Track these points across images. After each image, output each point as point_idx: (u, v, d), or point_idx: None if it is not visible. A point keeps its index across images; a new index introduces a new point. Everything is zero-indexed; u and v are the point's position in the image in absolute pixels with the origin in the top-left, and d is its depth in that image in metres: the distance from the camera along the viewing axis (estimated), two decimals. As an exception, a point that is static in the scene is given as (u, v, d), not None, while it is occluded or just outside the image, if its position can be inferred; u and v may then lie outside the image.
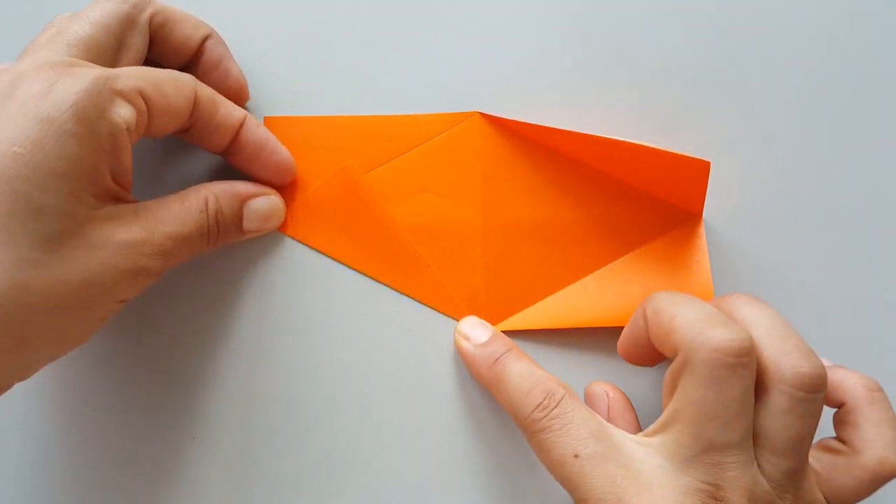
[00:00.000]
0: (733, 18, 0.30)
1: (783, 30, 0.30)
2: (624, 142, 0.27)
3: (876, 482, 0.22)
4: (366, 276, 0.28)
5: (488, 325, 0.27)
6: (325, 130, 0.28)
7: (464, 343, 0.26)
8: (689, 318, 0.21)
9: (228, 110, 0.25)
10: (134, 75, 0.22)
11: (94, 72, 0.21)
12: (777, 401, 0.21)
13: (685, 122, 0.29)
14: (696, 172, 0.27)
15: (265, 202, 0.27)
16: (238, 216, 0.26)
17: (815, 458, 0.23)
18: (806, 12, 0.30)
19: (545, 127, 0.27)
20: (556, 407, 0.22)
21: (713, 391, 0.20)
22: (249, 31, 0.29)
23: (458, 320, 0.28)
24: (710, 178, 0.27)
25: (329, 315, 0.28)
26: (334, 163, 0.28)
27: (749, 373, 0.20)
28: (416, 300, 0.28)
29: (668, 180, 0.27)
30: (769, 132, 0.29)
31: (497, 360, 0.25)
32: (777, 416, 0.21)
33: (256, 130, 0.26)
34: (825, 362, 0.22)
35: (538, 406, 0.23)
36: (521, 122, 0.28)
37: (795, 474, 0.21)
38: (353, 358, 0.28)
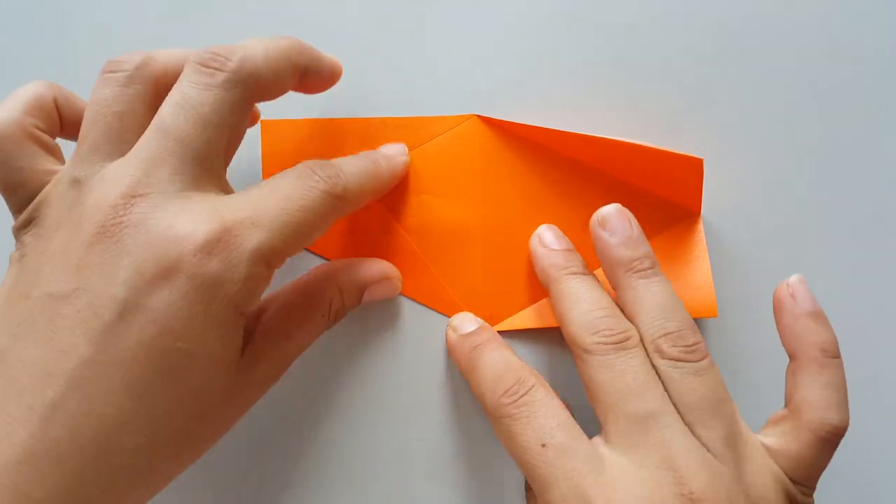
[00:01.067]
0: (732, 18, 0.30)
1: (783, 29, 0.30)
2: (618, 141, 0.27)
3: (821, 444, 0.22)
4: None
5: (479, 320, 0.27)
6: (324, 133, 0.28)
7: (449, 333, 0.27)
8: (577, 313, 0.23)
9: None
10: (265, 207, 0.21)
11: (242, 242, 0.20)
12: (668, 373, 0.22)
13: (685, 122, 0.29)
14: (690, 170, 0.27)
15: (387, 287, 0.27)
16: (356, 303, 0.26)
17: (766, 435, 0.23)
18: (806, 13, 0.30)
19: (541, 128, 0.28)
20: (525, 394, 0.22)
21: (611, 372, 0.22)
22: (247, 34, 0.30)
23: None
24: (709, 177, 0.27)
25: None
26: None
27: (636, 349, 0.22)
28: (414, 300, 0.28)
29: (664, 178, 0.27)
30: (769, 132, 0.29)
31: (475, 347, 0.25)
32: (675, 385, 0.22)
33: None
34: (805, 306, 0.23)
35: (507, 391, 0.22)
36: (519, 124, 0.28)
37: (733, 440, 0.21)
38: (352, 358, 0.28)
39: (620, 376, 0.21)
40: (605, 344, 0.22)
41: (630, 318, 0.23)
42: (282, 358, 0.24)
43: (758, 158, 0.29)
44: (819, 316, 0.23)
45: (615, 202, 0.25)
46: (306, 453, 0.28)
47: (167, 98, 0.21)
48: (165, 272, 0.19)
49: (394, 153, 0.27)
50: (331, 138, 0.28)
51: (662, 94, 0.29)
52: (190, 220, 0.20)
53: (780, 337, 0.24)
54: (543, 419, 0.22)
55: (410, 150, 0.28)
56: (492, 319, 0.28)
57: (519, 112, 0.29)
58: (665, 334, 0.22)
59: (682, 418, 0.21)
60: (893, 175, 0.29)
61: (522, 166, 0.28)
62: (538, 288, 0.28)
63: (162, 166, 0.20)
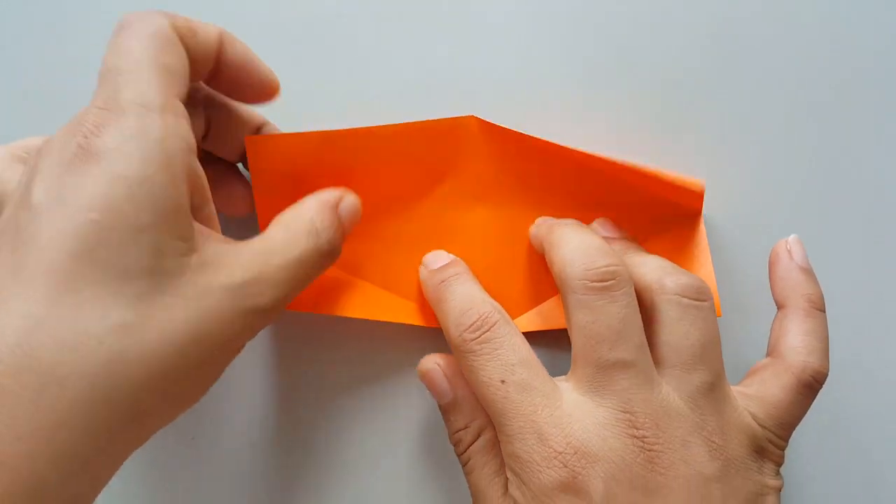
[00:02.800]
0: (733, 21, 0.30)
1: (783, 31, 0.30)
2: (616, 163, 0.26)
3: (801, 387, 0.22)
4: (362, 281, 0.28)
5: (451, 256, 0.27)
6: (315, 147, 0.27)
7: (421, 269, 0.26)
8: (567, 250, 0.23)
9: (205, 30, 0.22)
10: (161, 81, 0.20)
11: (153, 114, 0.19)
12: (667, 311, 0.22)
13: (685, 124, 0.29)
14: (691, 195, 0.27)
15: (351, 201, 0.25)
16: (339, 224, 0.24)
17: (746, 385, 0.23)
18: (806, 12, 0.30)
19: (540, 141, 0.27)
20: (488, 330, 0.22)
21: (590, 315, 0.21)
22: (247, 34, 0.30)
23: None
24: (709, 178, 0.27)
25: (327, 318, 0.28)
26: (329, 179, 0.27)
27: (621, 293, 0.21)
28: (414, 303, 0.28)
29: (664, 196, 0.27)
30: (769, 132, 0.29)
31: (443, 281, 0.25)
32: (671, 326, 0.22)
33: (236, 44, 0.23)
34: (800, 261, 0.24)
35: (470, 326, 0.22)
36: (516, 133, 0.28)
37: (711, 391, 0.21)
38: (351, 359, 0.28)
39: (599, 320, 0.21)
40: (589, 282, 0.22)
41: (637, 280, 0.23)
42: (264, 279, 0.21)
43: (758, 158, 0.29)
44: (810, 273, 0.24)
45: (616, 203, 0.25)
46: (304, 454, 0.28)
47: None
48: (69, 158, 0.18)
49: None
50: (323, 152, 0.27)
51: (662, 95, 0.29)
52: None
53: (772, 288, 0.24)
54: (505, 355, 0.22)
55: (408, 154, 0.27)
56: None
57: (519, 112, 0.29)
58: (672, 275, 0.22)
59: (666, 360, 0.21)
60: (894, 174, 0.29)
61: (522, 167, 0.28)
62: (540, 290, 0.28)
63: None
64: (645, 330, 0.22)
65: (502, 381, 0.21)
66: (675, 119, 0.29)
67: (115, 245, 0.18)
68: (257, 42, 0.29)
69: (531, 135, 0.27)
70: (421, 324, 0.27)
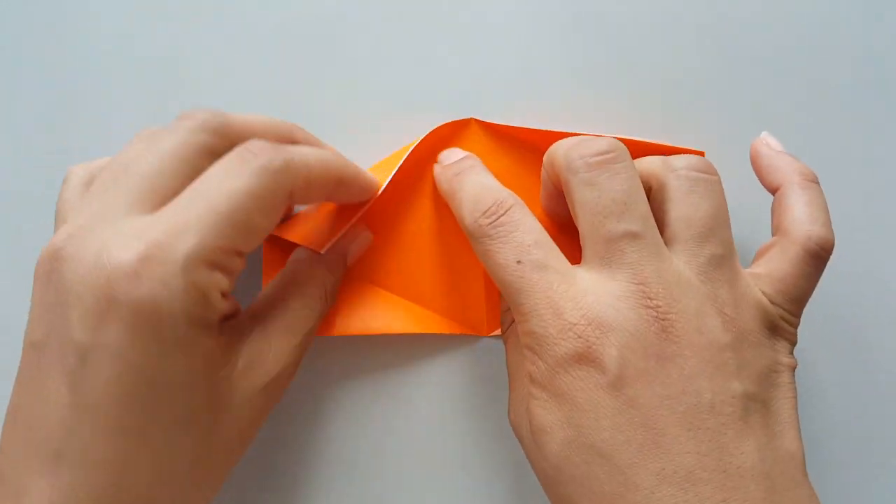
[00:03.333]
0: (732, 20, 0.30)
1: (783, 30, 0.30)
2: (618, 138, 0.26)
3: (808, 258, 0.22)
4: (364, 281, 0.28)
5: (465, 152, 0.27)
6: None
7: (435, 166, 0.27)
8: (565, 144, 0.23)
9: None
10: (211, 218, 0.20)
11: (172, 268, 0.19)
12: (677, 186, 0.22)
13: (684, 124, 0.29)
14: None
15: (363, 241, 0.27)
16: (343, 271, 0.27)
17: (754, 266, 0.23)
18: (806, 12, 0.30)
19: (538, 130, 0.27)
20: (503, 214, 0.22)
21: (594, 191, 0.21)
22: (247, 34, 0.29)
23: (460, 327, 0.28)
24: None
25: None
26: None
27: (622, 166, 0.21)
28: (416, 305, 0.28)
29: None
30: (769, 132, 0.28)
31: (457, 174, 0.25)
32: (682, 200, 0.22)
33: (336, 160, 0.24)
34: (779, 149, 0.25)
35: (486, 212, 0.23)
36: (516, 127, 0.28)
37: (722, 264, 0.21)
38: (352, 360, 0.28)
39: (603, 194, 0.21)
40: (591, 159, 0.22)
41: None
42: (286, 353, 0.23)
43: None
44: (792, 155, 0.24)
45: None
46: (308, 453, 0.28)
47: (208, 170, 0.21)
48: (106, 305, 0.18)
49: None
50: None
51: (662, 95, 0.29)
52: (117, 244, 0.19)
53: (761, 178, 0.25)
54: (521, 237, 0.22)
55: (408, 157, 0.28)
56: (493, 323, 0.28)
57: (518, 113, 0.29)
58: (677, 158, 0.23)
59: (677, 235, 0.21)
60: (894, 174, 0.29)
61: (522, 169, 0.28)
62: None
63: (112, 200, 0.20)
64: (656, 213, 0.22)
65: (518, 262, 0.21)
66: (675, 119, 0.29)
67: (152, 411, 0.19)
68: (258, 45, 0.30)
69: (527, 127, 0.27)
70: (426, 330, 0.28)
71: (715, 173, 0.22)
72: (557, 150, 0.23)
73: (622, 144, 0.22)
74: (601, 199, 0.21)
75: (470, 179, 0.24)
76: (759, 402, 0.20)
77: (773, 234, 0.23)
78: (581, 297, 0.20)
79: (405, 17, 0.30)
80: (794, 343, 0.22)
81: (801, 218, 0.23)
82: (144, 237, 0.19)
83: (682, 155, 0.23)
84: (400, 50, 0.30)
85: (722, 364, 0.20)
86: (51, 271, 0.19)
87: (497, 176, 0.28)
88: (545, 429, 0.20)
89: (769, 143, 0.25)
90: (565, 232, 0.26)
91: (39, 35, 0.30)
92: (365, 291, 0.28)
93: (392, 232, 0.28)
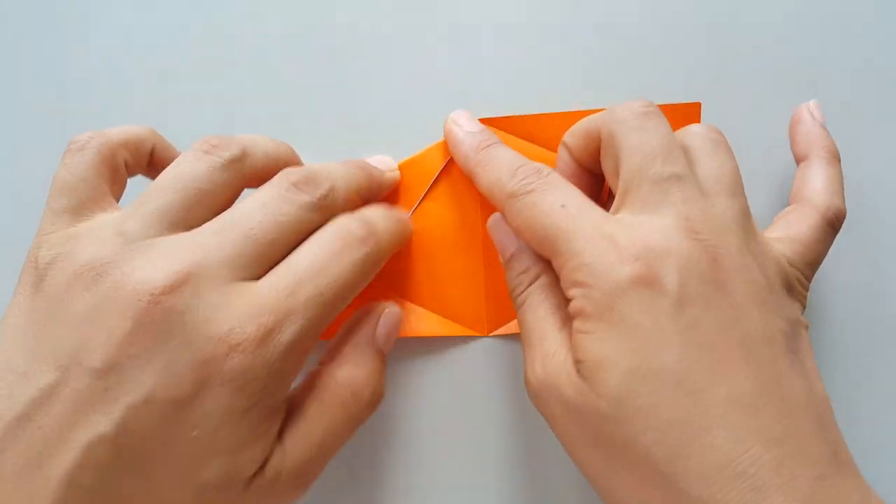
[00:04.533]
0: (733, 19, 0.30)
1: (785, 31, 0.30)
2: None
3: (825, 226, 0.24)
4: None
5: (479, 122, 0.27)
6: None
7: (454, 128, 0.27)
8: (600, 114, 0.24)
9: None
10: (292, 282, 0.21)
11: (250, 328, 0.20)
12: (702, 147, 0.23)
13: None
14: (689, 117, 0.27)
15: (394, 317, 0.26)
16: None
17: (774, 229, 0.24)
18: (807, 12, 0.30)
19: (535, 115, 0.28)
20: (546, 177, 0.23)
21: (644, 135, 0.22)
22: (247, 35, 0.30)
23: (460, 327, 0.28)
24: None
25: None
26: None
27: (664, 119, 0.23)
28: (417, 306, 0.28)
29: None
30: (770, 132, 0.29)
31: (487, 146, 0.26)
32: (709, 158, 0.23)
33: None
34: (821, 121, 0.26)
35: (527, 176, 0.23)
36: (515, 116, 0.28)
37: (749, 219, 0.22)
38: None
39: (652, 137, 0.22)
40: (639, 110, 0.23)
41: None
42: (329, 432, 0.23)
43: (758, 158, 0.29)
44: (827, 130, 0.26)
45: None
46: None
47: (253, 196, 0.22)
48: (201, 375, 0.19)
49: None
50: None
51: (662, 95, 0.29)
52: (227, 316, 0.20)
53: (794, 144, 0.27)
54: (563, 190, 0.23)
55: (418, 178, 0.28)
56: (494, 323, 0.28)
57: (519, 113, 0.29)
58: (698, 126, 0.24)
59: (709, 189, 0.22)
60: (894, 174, 0.29)
61: (528, 149, 0.28)
62: None
63: (217, 254, 0.20)
64: None
65: (562, 206, 0.22)
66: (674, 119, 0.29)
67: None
68: (258, 51, 0.30)
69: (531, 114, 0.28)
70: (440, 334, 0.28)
71: (725, 139, 0.24)
72: (604, 117, 0.24)
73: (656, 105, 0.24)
74: (649, 142, 0.22)
75: (501, 153, 0.25)
76: (795, 343, 0.21)
77: (792, 201, 0.25)
78: (633, 229, 0.21)
79: (407, 20, 0.30)
80: (804, 306, 0.23)
81: (822, 189, 0.24)
82: (257, 319, 0.20)
83: (698, 124, 0.24)
84: (400, 50, 0.30)
85: (764, 301, 0.20)
86: (161, 320, 0.19)
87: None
88: (603, 363, 0.20)
89: (814, 113, 0.27)
90: None
91: (39, 37, 0.30)
92: (366, 294, 0.28)
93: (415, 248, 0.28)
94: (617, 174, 0.23)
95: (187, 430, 0.19)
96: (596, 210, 0.22)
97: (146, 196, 0.21)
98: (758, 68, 0.30)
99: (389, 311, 0.25)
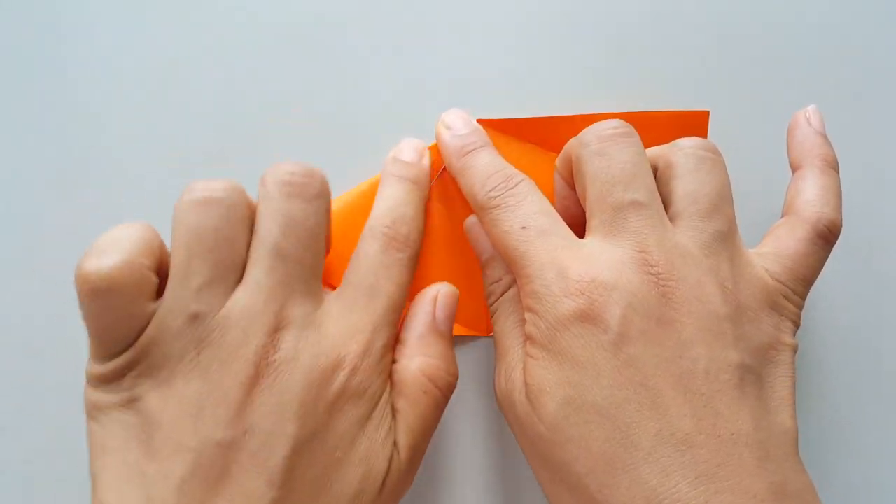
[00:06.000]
0: (733, 17, 0.30)
1: (785, 31, 0.30)
2: (620, 113, 0.27)
3: (816, 238, 0.22)
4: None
5: (472, 120, 0.27)
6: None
7: (444, 131, 0.27)
8: (582, 132, 0.23)
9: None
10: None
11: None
12: (684, 163, 0.22)
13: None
14: (696, 125, 0.27)
15: (449, 297, 0.25)
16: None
17: (762, 245, 0.23)
18: (807, 12, 0.30)
19: (540, 118, 0.28)
20: (513, 187, 0.23)
21: (604, 161, 0.22)
22: (247, 36, 0.30)
23: (460, 327, 0.28)
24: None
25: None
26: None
27: (632, 140, 0.22)
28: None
29: (670, 130, 0.27)
30: (770, 132, 0.29)
31: (470, 151, 0.26)
32: (688, 176, 0.22)
33: None
34: (818, 128, 0.25)
35: (496, 187, 0.24)
36: (517, 119, 0.28)
37: (725, 240, 0.21)
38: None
39: (613, 164, 0.22)
40: (603, 132, 0.22)
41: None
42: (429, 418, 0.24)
43: (759, 159, 0.29)
44: (826, 138, 0.25)
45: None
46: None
47: (269, 217, 0.21)
48: (330, 400, 0.20)
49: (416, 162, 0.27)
50: (334, 221, 0.27)
51: (662, 96, 0.29)
52: (333, 346, 0.21)
53: (790, 151, 0.25)
54: (528, 206, 0.23)
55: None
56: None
57: (519, 113, 0.29)
58: (685, 139, 0.23)
59: (683, 211, 0.22)
60: (894, 173, 0.29)
61: (526, 168, 0.28)
62: None
63: (293, 293, 0.21)
64: (662, 191, 0.23)
65: (523, 227, 0.22)
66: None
67: None
68: (257, 48, 0.30)
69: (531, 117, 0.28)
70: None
71: (719, 154, 0.23)
72: (572, 142, 0.24)
73: (631, 127, 0.23)
74: (611, 168, 0.22)
75: (482, 158, 0.25)
76: (755, 375, 0.20)
77: (784, 213, 0.24)
78: (585, 260, 0.21)
79: (405, 18, 0.30)
80: (797, 324, 0.22)
81: (814, 199, 0.23)
82: (358, 336, 0.22)
83: (689, 137, 0.23)
84: (401, 51, 0.30)
85: (719, 333, 0.20)
86: (258, 374, 0.20)
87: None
88: (544, 388, 0.20)
89: (811, 119, 0.25)
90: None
91: (39, 38, 0.30)
92: None
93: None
94: (585, 199, 0.23)
95: (331, 454, 0.20)
96: (557, 233, 0.22)
97: (182, 266, 0.20)
98: (761, 67, 0.30)
99: (443, 291, 0.25)
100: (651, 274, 0.20)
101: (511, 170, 0.24)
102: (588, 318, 0.20)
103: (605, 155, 0.22)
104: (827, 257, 0.23)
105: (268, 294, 0.20)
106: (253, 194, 0.22)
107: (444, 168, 0.28)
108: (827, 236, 0.23)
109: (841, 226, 0.23)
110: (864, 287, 0.29)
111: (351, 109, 0.29)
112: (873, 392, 0.29)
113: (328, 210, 0.23)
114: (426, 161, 0.27)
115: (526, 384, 0.21)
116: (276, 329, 0.20)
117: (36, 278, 0.28)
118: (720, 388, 0.19)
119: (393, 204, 0.25)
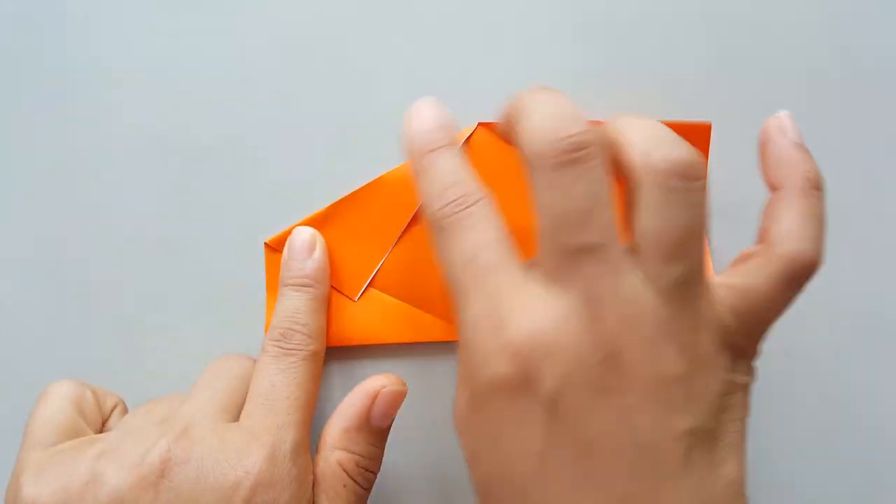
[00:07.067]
0: (735, 18, 0.30)
1: (786, 30, 0.30)
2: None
3: (789, 280, 0.20)
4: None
5: (446, 112, 0.23)
6: (324, 224, 0.28)
7: (408, 122, 0.22)
8: (532, 121, 0.19)
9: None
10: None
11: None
12: (651, 195, 0.19)
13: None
14: (698, 138, 0.27)
15: (390, 396, 0.25)
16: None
17: (730, 274, 0.21)
18: (807, 12, 0.30)
19: None
20: (469, 206, 0.20)
21: (556, 194, 0.19)
22: (247, 36, 0.29)
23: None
24: (711, 179, 0.27)
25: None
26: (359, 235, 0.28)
27: (592, 165, 0.19)
28: (420, 311, 0.28)
29: None
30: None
31: (432, 150, 0.22)
32: (653, 212, 0.19)
33: None
34: (794, 137, 0.22)
35: (452, 202, 0.20)
36: None
37: (688, 285, 0.19)
38: (353, 367, 0.29)
39: (565, 201, 0.19)
40: (555, 157, 0.19)
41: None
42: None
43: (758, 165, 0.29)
44: (805, 149, 0.22)
45: (623, 203, 0.25)
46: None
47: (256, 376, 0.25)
48: None
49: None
50: (334, 225, 0.28)
51: (662, 96, 0.29)
52: (231, 465, 0.22)
53: (764, 171, 0.22)
54: (479, 235, 0.20)
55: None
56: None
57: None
58: (661, 147, 0.19)
59: (643, 249, 0.19)
60: (894, 173, 0.29)
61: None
62: None
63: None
64: (626, 212, 0.20)
65: (471, 259, 0.20)
66: (675, 119, 0.29)
67: None
68: (257, 51, 0.29)
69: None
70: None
71: (700, 177, 0.19)
72: (520, 131, 0.20)
73: (595, 138, 0.19)
74: (562, 204, 0.19)
75: (444, 164, 0.21)
76: (705, 433, 0.19)
77: (759, 241, 0.21)
78: (526, 309, 0.19)
79: (407, 20, 0.30)
80: (755, 358, 0.21)
81: (792, 231, 0.20)
82: (257, 447, 0.23)
83: (667, 154, 0.19)
84: (401, 51, 0.30)
85: (668, 399, 0.18)
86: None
87: (504, 178, 0.27)
88: (472, 454, 0.20)
89: (784, 129, 0.22)
90: None
91: (39, 37, 0.30)
92: (369, 297, 0.28)
93: (395, 236, 0.28)
94: (536, 217, 0.20)
95: None
96: (504, 269, 0.19)
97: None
98: (762, 68, 0.30)
99: (387, 390, 0.25)
100: (597, 332, 0.18)
101: (471, 184, 0.21)
102: (521, 385, 0.18)
103: (557, 187, 0.19)
104: (795, 297, 0.20)
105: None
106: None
107: (469, 136, 0.28)
108: (801, 278, 0.20)
109: (819, 264, 0.20)
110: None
111: (351, 110, 0.29)
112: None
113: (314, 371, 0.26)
114: (317, 253, 0.27)
115: (461, 443, 0.20)
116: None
117: (36, 278, 0.29)
118: (662, 462, 0.18)
119: (283, 315, 0.26)
